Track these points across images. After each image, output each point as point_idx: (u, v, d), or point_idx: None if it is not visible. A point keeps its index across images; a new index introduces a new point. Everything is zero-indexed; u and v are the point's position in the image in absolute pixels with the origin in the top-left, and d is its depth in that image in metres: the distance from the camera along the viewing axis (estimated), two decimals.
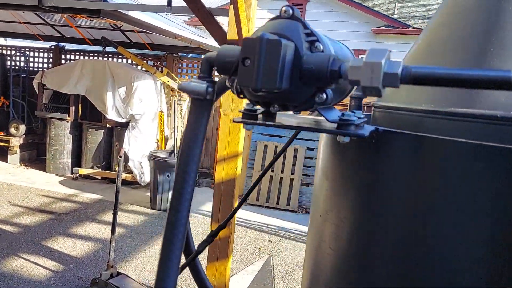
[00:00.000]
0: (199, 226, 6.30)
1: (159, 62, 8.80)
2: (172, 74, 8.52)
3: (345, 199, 0.91)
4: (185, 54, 9.13)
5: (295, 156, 7.53)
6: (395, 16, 13.71)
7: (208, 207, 7.29)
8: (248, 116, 0.79)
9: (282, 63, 0.58)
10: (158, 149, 8.01)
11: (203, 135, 0.66)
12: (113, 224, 4.11)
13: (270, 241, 5.99)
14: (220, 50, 0.66)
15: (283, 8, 0.65)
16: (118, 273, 4.19)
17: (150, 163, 7.04)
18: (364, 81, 0.56)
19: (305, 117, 0.90)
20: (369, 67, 0.55)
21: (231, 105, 3.67)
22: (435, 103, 0.89)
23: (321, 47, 0.63)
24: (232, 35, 3.83)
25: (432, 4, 14.88)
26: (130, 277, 4.23)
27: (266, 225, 6.60)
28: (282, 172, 7.54)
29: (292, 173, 7.49)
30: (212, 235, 1.02)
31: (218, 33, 4.38)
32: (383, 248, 0.83)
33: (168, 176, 6.80)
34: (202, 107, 0.66)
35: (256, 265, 5.19)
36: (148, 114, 7.93)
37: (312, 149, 7.64)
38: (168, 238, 0.64)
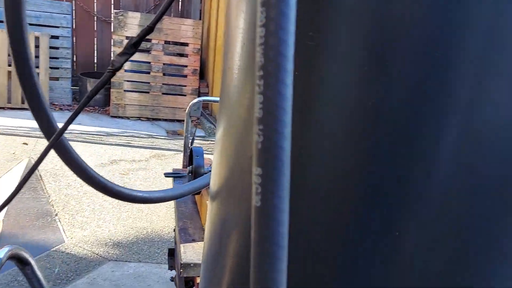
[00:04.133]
0: None
1: None
2: None
3: None
4: None
5: (37, 46, 6.38)
6: None
7: None
8: None
9: None
10: None
11: None
12: None
13: (25, 143, 5.16)
14: None
15: None
16: None
17: None
18: None
19: None
20: None
21: None
22: None
23: None
24: None
25: None
26: None
27: (15, 128, 5.61)
28: None
29: (37, 67, 6.41)
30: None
31: None
32: None
33: None
34: None
35: (15, 171, 4.44)
36: None
37: (57, 37, 6.64)
38: None
